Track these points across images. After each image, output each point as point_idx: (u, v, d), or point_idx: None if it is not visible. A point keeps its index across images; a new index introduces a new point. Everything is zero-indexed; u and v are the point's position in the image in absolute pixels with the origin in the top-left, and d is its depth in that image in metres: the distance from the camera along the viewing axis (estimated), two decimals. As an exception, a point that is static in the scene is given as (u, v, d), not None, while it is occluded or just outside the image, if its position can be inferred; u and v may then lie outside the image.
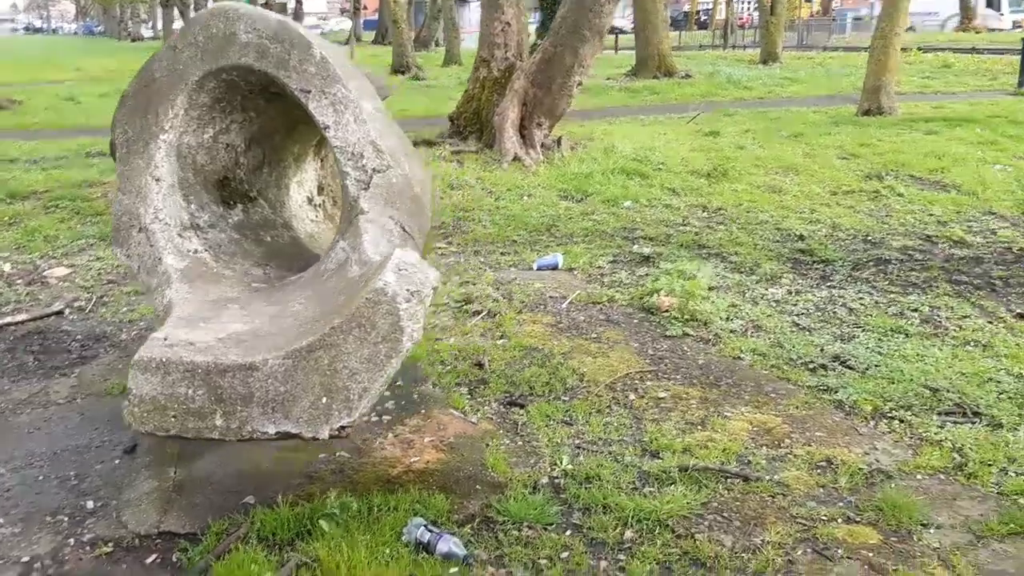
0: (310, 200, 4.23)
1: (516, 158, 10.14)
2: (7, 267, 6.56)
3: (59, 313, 5.70)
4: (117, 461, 3.81)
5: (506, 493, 3.49)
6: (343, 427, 2.56)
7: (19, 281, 6.32)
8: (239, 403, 2.57)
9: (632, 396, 4.39)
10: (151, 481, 3.58)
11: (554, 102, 10.50)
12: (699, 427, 4.07)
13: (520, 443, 3.94)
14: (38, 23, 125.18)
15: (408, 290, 2.60)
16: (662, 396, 4.39)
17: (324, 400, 2.55)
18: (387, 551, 3.08)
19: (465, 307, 5.69)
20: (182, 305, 2.96)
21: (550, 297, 5.93)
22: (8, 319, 5.53)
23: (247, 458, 3.69)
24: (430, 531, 3.17)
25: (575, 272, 6.58)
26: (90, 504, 3.49)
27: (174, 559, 3.14)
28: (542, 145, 10.57)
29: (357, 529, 3.19)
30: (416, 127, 12.82)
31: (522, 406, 4.27)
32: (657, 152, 10.79)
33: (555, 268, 6.65)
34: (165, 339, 2.72)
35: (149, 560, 3.15)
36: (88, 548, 3.22)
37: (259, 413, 2.56)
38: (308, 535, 3.19)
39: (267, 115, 3.81)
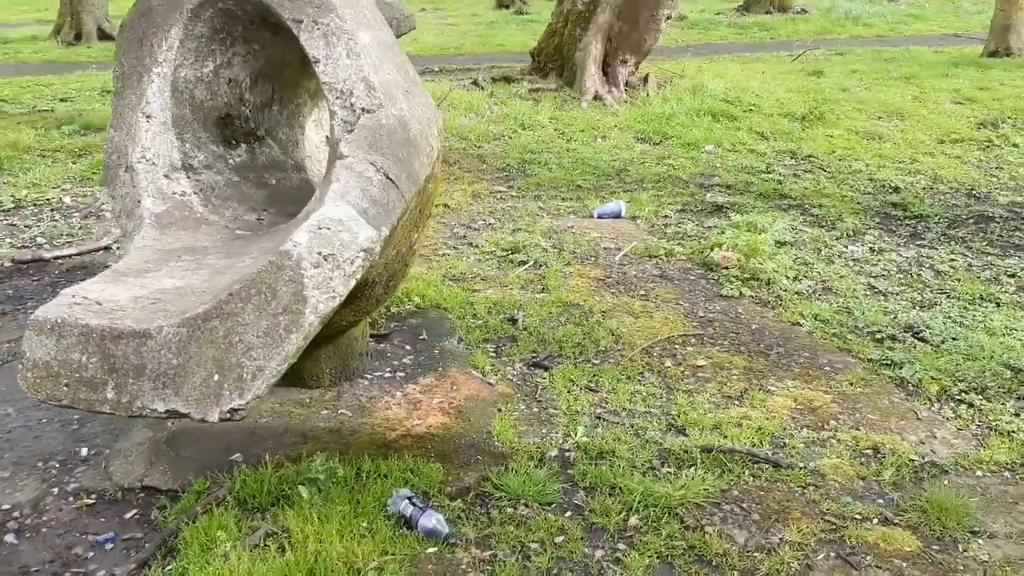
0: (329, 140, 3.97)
1: (597, 96, 9.63)
2: (67, 199, 6.59)
3: (107, 248, 5.66)
4: (122, 406, 3.70)
5: (508, 465, 3.21)
6: (235, 410, 2.29)
7: (76, 214, 6.33)
8: (131, 375, 2.33)
9: (668, 362, 4.03)
10: (146, 431, 3.45)
11: (641, 37, 9.91)
12: (736, 402, 3.69)
13: (536, 410, 3.65)
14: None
15: (320, 253, 2.29)
16: (701, 364, 4.01)
17: (216, 378, 2.28)
18: (364, 524, 2.86)
19: (511, 256, 5.37)
20: (131, 255, 2.75)
21: (604, 248, 5.56)
22: (56, 252, 5.52)
23: (246, 411, 3.52)
24: (414, 504, 2.92)
25: (638, 221, 6.16)
26: (84, 451, 3.39)
27: (152, 516, 3.01)
28: (626, 83, 10.01)
29: (338, 497, 2.98)
30: (509, 62, 12.42)
31: (546, 368, 3.97)
32: (750, 92, 10.09)
33: (617, 216, 6.23)
34: (73, 296, 2.51)
35: (128, 515, 3.03)
36: (70, 499, 3.12)
37: (150, 388, 2.31)
38: (287, 500, 3.00)
39: (274, 48, 3.54)
